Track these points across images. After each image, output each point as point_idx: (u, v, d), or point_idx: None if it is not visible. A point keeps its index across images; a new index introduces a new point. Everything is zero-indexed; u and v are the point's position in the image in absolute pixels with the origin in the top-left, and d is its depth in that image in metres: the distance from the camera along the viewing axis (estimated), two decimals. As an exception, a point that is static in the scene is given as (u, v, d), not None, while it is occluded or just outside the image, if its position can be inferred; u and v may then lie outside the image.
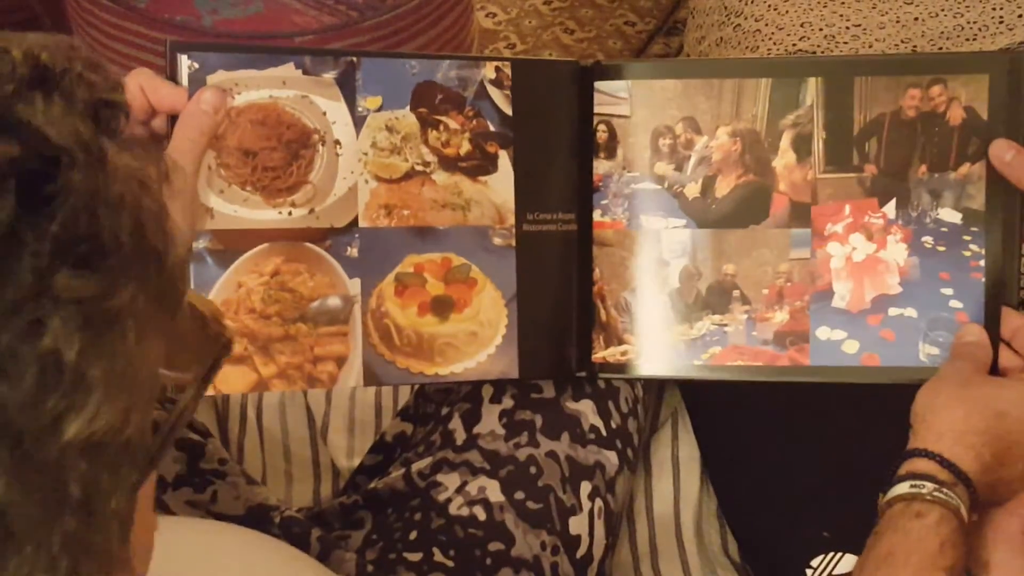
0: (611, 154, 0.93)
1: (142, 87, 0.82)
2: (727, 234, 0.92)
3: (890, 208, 0.90)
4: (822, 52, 1.37)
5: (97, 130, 0.38)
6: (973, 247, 0.89)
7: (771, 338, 0.91)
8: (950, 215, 0.89)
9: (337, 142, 0.88)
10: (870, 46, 1.37)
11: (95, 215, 0.37)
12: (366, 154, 0.89)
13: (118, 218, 0.38)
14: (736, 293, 0.92)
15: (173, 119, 0.83)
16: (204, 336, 0.47)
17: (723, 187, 0.92)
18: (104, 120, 0.39)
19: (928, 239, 0.90)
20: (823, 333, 0.90)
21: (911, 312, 0.89)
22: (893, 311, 0.90)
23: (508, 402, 0.95)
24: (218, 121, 0.84)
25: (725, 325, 0.92)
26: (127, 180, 0.39)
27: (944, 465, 0.77)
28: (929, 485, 0.76)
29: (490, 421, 0.94)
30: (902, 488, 0.77)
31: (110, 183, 0.38)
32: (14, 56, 0.38)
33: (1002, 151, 0.86)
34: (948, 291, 0.89)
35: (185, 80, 0.85)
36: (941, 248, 0.89)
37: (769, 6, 1.43)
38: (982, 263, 0.88)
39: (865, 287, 0.90)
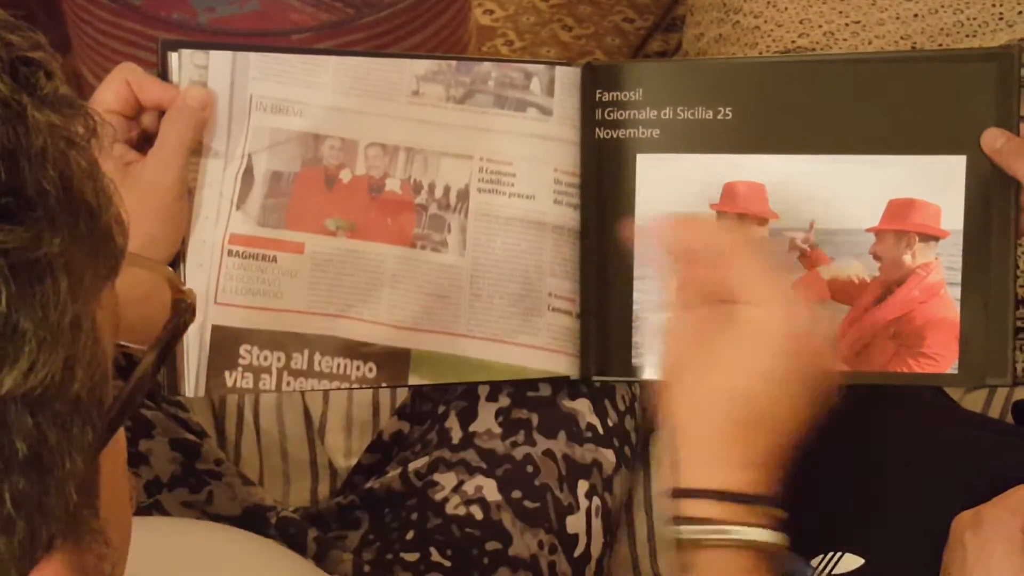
0: None
1: (128, 81, 0.82)
2: None
3: None
4: (821, 49, 1.37)
5: (15, 87, 0.38)
6: None
7: None
8: None
9: None
10: (869, 43, 1.37)
11: (16, 168, 0.37)
12: None
13: (42, 171, 0.38)
14: None
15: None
16: (162, 302, 0.47)
17: None
18: (23, 77, 0.39)
19: None
20: None
21: None
22: None
23: (504, 400, 0.94)
24: (205, 117, 0.83)
25: None
26: (51, 135, 0.39)
27: (704, 497, 0.69)
28: (692, 529, 0.69)
29: (486, 420, 0.94)
30: (672, 534, 0.70)
31: (31, 137, 0.38)
32: None
33: (993, 139, 0.86)
34: None
35: (176, 77, 0.84)
36: None
37: (768, 3, 1.43)
38: None
39: None
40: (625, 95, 0.89)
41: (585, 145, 0.90)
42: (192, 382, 0.85)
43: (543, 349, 0.89)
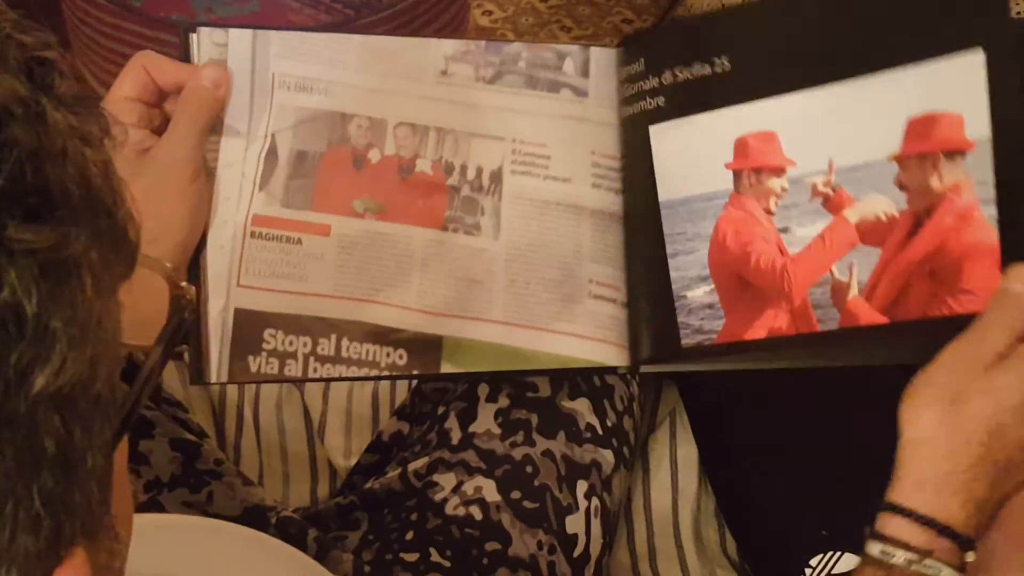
0: None
1: (146, 68, 0.81)
2: None
3: None
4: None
5: (33, 87, 0.38)
6: None
7: None
8: None
9: None
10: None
11: (40, 168, 0.37)
12: None
13: (64, 170, 0.38)
14: None
15: None
16: (163, 300, 0.47)
17: None
18: (39, 77, 0.39)
19: None
20: None
21: None
22: None
23: (504, 401, 0.94)
24: (220, 97, 0.83)
25: None
26: (68, 135, 0.39)
27: (922, 523, 0.67)
28: (901, 555, 0.67)
29: (486, 420, 0.94)
30: (873, 550, 0.68)
31: (52, 137, 0.38)
32: None
33: None
34: None
35: (197, 58, 0.84)
36: None
37: (767, 3, 1.43)
38: None
39: None
40: (632, 68, 0.87)
41: (621, 127, 0.88)
42: (215, 367, 0.82)
43: (584, 337, 0.85)
